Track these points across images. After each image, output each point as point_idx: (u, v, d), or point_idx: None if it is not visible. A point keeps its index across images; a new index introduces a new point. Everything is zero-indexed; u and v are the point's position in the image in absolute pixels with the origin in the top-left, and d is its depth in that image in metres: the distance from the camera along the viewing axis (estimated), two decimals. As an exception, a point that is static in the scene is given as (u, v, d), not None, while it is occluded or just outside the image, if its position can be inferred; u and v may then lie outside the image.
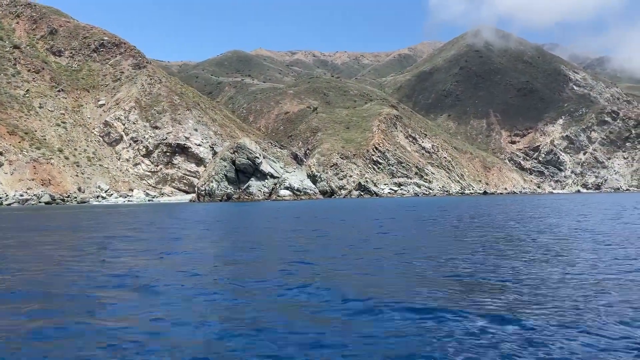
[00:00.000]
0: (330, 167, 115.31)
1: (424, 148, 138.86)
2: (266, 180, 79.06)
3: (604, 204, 48.30)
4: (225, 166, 77.22)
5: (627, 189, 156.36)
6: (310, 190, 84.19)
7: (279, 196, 76.77)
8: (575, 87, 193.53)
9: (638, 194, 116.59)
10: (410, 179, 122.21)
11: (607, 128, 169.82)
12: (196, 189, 78.44)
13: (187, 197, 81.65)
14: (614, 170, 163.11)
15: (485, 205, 47.78)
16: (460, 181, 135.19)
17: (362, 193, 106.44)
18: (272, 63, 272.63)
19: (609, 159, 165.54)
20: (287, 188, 79.25)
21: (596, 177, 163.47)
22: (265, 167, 79.61)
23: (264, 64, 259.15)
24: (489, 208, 41.91)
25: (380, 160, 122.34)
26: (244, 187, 77.21)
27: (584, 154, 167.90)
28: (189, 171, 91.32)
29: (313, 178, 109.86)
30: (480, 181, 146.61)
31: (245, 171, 78.24)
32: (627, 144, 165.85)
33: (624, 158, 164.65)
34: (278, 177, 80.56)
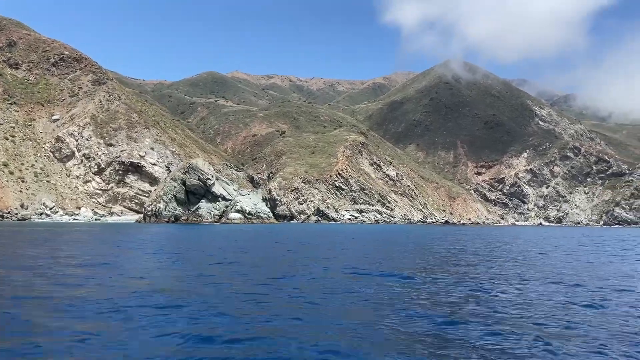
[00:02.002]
0: (291, 191, 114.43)
1: (388, 176, 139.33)
2: (217, 203, 77.63)
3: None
4: (175, 187, 75.61)
5: (587, 224, 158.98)
6: (264, 214, 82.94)
7: (228, 219, 75.33)
8: (540, 122, 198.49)
9: (598, 229, 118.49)
10: (372, 206, 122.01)
11: (569, 163, 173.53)
12: (143, 209, 76.45)
13: (136, 218, 79.47)
14: (575, 205, 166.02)
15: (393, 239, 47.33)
16: (423, 210, 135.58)
17: (320, 218, 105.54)
18: (248, 86, 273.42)
19: (571, 193, 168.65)
20: (238, 211, 77.90)
21: (558, 210, 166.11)
22: (218, 189, 78.27)
23: (239, 87, 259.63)
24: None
25: (343, 187, 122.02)
26: (194, 208, 75.60)
27: (547, 187, 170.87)
28: (142, 191, 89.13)
29: (273, 202, 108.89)
30: (444, 210, 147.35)
31: (195, 192, 76.73)
32: (588, 179, 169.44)
33: (585, 193, 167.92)
34: (230, 200, 79.24)
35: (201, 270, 16.92)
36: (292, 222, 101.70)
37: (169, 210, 73.36)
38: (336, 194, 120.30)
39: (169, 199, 74.31)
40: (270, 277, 14.69)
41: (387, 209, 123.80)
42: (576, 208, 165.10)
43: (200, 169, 76.96)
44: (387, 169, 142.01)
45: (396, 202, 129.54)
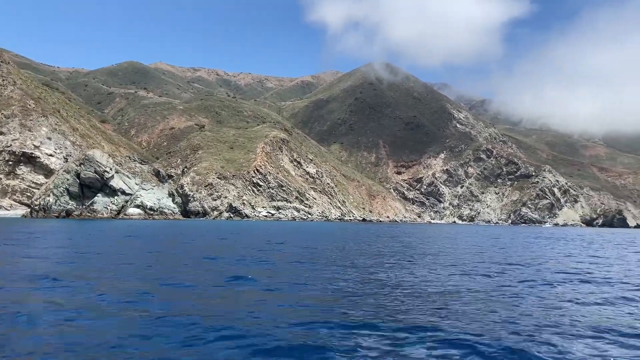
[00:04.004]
0: (205, 186, 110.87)
1: (308, 173, 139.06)
2: (116, 197, 73.28)
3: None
4: (67, 179, 70.41)
5: (497, 222, 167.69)
6: (168, 209, 79.47)
7: (126, 215, 71.28)
8: (458, 125, 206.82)
9: (501, 228, 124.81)
10: (290, 203, 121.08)
11: (482, 164, 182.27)
12: (31, 202, 70.60)
13: (23, 212, 73.21)
14: (487, 204, 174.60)
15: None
16: (342, 207, 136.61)
17: (232, 215, 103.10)
18: (172, 78, 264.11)
19: (483, 193, 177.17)
20: (138, 206, 73.97)
21: (471, 209, 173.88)
22: (117, 182, 73.90)
23: (163, 78, 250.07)
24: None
25: (261, 183, 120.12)
26: (89, 203, 70.83)
27: (461, 187, 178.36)
28: (35, 183, 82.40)
29: (185, 197, 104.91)
30: (364, 208, 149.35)
31: (91, 186, 71.93)
32: (498, 180, 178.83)
33: (496, 193, 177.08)
34: (131, 194, 75.12)
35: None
36: (203, 219, 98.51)
37: (59, 205, 68.16)
38: (253, 191, 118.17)
39: (61, 193, 69.08)
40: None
41: (305, 206, 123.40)
42: (487, 207, 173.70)
43: (97, 161, 72.27)
44: (308, 167, 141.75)
45: (315, 199, 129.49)
